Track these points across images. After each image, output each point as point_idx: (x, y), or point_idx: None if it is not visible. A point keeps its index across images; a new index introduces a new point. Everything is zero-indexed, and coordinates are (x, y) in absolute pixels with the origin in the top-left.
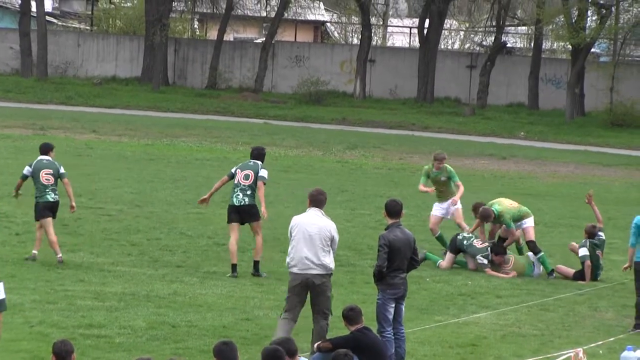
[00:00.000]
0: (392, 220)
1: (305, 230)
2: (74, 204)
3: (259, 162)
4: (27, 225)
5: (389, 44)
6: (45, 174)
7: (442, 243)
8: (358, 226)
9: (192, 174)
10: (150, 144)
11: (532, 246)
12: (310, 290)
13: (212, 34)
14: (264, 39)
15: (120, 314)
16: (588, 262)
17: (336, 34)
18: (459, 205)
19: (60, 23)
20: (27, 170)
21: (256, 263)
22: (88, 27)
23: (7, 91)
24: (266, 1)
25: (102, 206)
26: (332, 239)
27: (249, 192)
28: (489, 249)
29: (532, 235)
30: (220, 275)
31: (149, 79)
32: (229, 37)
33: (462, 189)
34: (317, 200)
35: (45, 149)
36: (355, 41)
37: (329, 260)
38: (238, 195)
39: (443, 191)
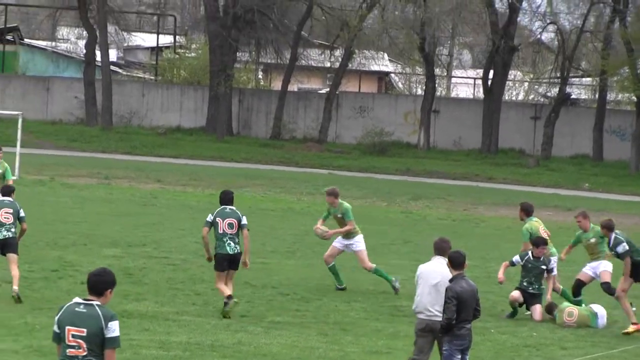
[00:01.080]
0: (456, 272)
1: (429, 278)
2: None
3: (235, 208)
4: None
5: (453, 94)
6: (5, 212)
7: (334, 274)
8: None
9: (256, 224)
10: (214, 194)
11: (606, 287)
12: (434, 336)
13: (276, 84)
14: (328, 89)
15: None
16: (628, 259)
17: (400, 85)
18: (361, 247)
19: (124, 73)
20: None
21: (230, 296)
22: (152, 77)
23: (72, 140)
24: (330, 52)
25: (166, 255)
26: None
27: (236, 240)
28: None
29: (607, 278)
30: (284, 325)
31: (213, 129)
32: (293, 87)
33: (348, 228)
34: (440, 249)
35: (7, 191)
36: (419, 92)
37: None
38: (230, 244)
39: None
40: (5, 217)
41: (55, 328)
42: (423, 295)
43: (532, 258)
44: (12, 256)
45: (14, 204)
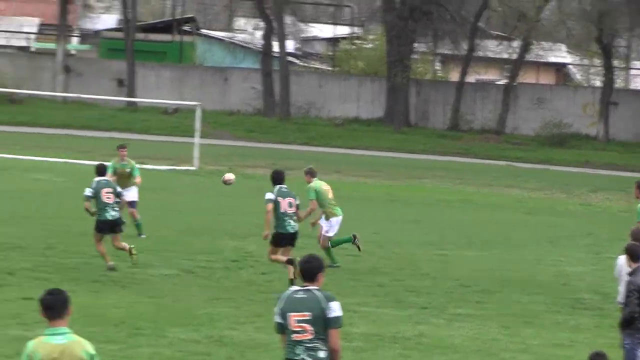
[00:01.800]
0: (635, 265)
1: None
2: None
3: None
4: (274, 265)
5: (632, 86)
6: (107, 192)
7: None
8: (604, 269)
9: (435, 216)
10: (391, 185)
11: None
12: None
13: (454, 75)
14: (506, 80)
15: (366, 354)
16: None
17: (578, 76)
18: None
19: (301, 63)
20: (88, 191)
21: (291, 260)
22: (329, 68)
23: (250, 131)
24: (508, 43)
25: (345, 247)
26: None
27: (294, 218)
28: None
29: None
30: (465, 317)
31: (391, 120)
32: (470, 78)
33: (309, 209)
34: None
35: (103, 170)
36: (598, 83)
37: None
38: (290, 223)
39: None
40: (107, 197)
41: (278, 319)
42: None
43: None
44: (118, 236)
45: (111, 183)
